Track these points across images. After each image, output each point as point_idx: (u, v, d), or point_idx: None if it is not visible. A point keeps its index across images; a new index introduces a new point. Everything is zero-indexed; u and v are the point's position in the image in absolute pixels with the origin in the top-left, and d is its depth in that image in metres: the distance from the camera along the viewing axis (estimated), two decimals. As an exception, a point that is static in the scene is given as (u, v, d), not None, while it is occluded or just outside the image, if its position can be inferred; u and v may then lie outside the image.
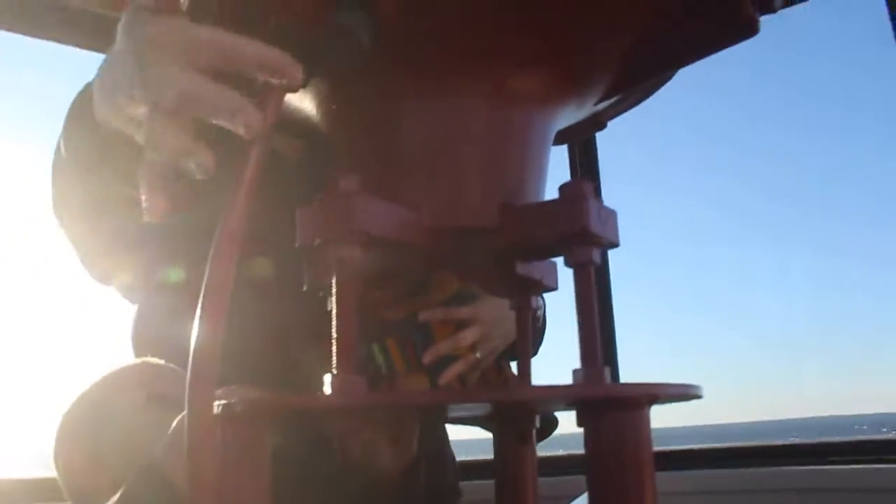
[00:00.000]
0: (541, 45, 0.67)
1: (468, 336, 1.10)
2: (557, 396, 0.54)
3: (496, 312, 1.05)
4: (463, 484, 1.40)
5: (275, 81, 0.58)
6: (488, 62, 0.67)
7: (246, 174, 0.58)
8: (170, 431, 0.76)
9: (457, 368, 1.09)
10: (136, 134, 0.61)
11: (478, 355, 1.05)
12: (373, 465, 0.88)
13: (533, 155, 0.70)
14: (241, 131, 0.57)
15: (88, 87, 0.83)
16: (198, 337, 0.57)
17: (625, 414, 0.54)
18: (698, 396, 0.63)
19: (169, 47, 0.56)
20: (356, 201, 0.57)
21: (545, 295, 1.08)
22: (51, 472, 1.15)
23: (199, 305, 0.57)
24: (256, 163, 0.59)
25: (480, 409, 0.69)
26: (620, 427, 0.55)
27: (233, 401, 0.58)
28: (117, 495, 0.78)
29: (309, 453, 1.10)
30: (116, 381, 0.98)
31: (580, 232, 0.62)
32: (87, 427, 0.98)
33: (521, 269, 0.75)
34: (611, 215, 0.65)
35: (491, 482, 0.82)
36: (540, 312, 1.36)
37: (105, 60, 0.65)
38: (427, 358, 1.09)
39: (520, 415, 0.79)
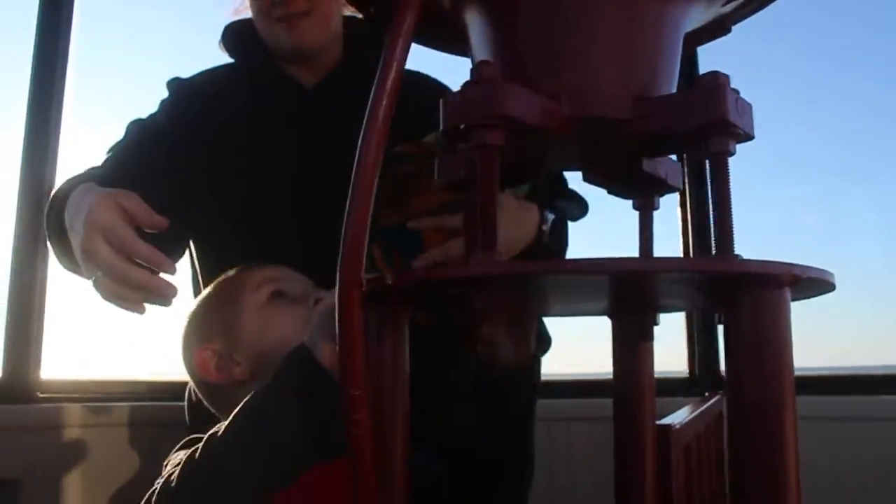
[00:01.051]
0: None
1: (460, 244, 1.06)
2: (700, 269, 0.55)
3: None
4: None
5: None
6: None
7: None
8: (314, 319, 0.81)
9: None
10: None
11: None
12: (495, 360, 0.92)
13: (665, 49, 0.70)
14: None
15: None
16: (348, 216, 0.60)
17: (766, 292, 0.56)
18: (833, 287, 0.64)
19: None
20: (501, 87, 0.59)
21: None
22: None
23: (351, 187, 0.60)
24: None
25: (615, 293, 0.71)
26: (760, 306, 0.56)
27: (382, 276, 0.62)
28: (270, 380, 0.83)
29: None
30: (240, 281, 1.04)
31: (719, 121, 0.62)
32: (216, 325, 1.04)
33: (648, 165, 0.76)
34: (747, 107, 0.65)
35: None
36: (545, 227, 1.28)
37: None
38: (417, 264, 1.07)
39: (644, 307, 0.81)
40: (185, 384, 1.40)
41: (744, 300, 0.56)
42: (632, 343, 0.86)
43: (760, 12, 0.90)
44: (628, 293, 0.76)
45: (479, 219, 0.61)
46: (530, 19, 0.67)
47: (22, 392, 1.83)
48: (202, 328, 1.09)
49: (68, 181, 1.18)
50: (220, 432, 0.84)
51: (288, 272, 1.07)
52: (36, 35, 2.01)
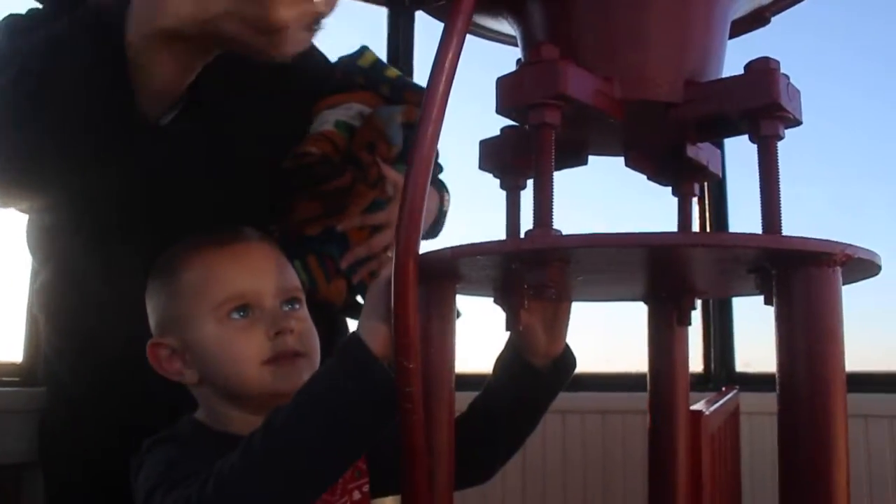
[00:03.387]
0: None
1: (382, 239, 1.13)
2: (760, 246, 0.56)
3: None
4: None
5: None
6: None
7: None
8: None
9: (369, 267, 1.14)
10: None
11: (390, 255, 1.03)
12: (528, 347, 0.93)
13: (715, 34, 0.72)
14: None
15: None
16: (405, 192, 0.61)
17: (819, 271, 0.57)
18: (879, 268, 0.65)
19: None
20: (560, 66, 0.61)
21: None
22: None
23: (409, 165, 0.61)
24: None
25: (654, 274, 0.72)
26: (815, 284, 0.57)
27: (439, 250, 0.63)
28: (324, 368, 0.81)
29: None
30: (206, 284, 0.92)
31: (770, 105, 0.63)
32: (174, 322, 0.95)
33: (691, 151, 0.77)
34: (797, 93, 0.66)
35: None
36: (448, 196, 1.34)
37: None
38: (344, 263, 1.13)
39: (682, 292, 0.83)
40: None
41: (797, 277, 0.57)
42: (667, 328, 0.87)
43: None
44: (670, 275, 0.78)
45: (535, 196, 0.62)
46: (586, 3, 0.68)
47: None
48: (162, 316, 0.98)
49: None
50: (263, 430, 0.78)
51: (265, 279, 0.96)
52: None
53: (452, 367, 0.73)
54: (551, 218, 0.61)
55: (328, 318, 1.13)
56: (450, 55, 0.62)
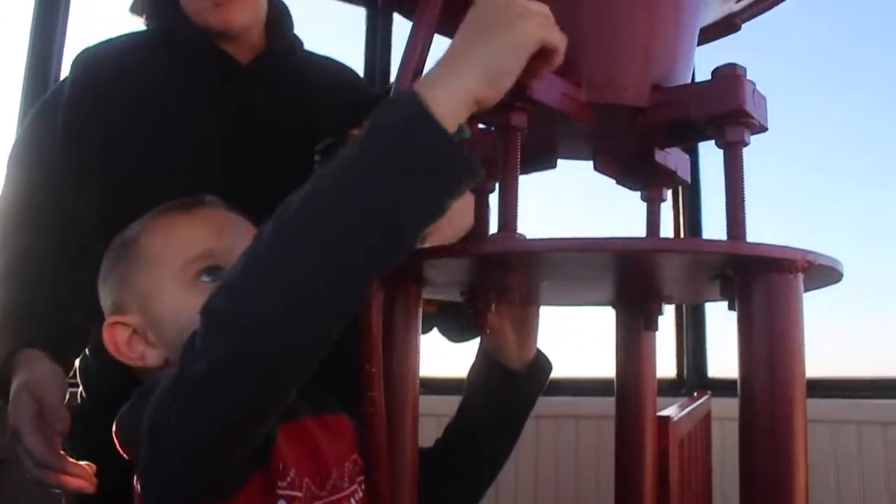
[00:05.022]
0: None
1: None
2: (722, 251, 0.56)
3: None
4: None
5: None
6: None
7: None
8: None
9: None
10: None
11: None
12: (500, 352, 0.92)
13: (683, 40, 0.72)
14: None
15: None
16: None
17: (781, 277, 0.57)
18: (841, 276, 0.65)
19: None
20: (528, 70, 0.60)
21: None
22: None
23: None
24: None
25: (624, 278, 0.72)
26: (776, 291, 0.57)
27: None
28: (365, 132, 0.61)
29: None
30: (169, 246, 0.79)
31: (735, 111, 0.64)
32: (132, 294, 0.82)
33: (659, 157, 0.77)
34: (762, 99, 0.67)
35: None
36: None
37: None
38: None
39: (649, 297, 0.83)
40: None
41: (759, 283, 0.58)
42: (635, 332, 0.87)
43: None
44: (637, 281, 0.78)
45: (500, 199, 0.62)
46: (553, 8, 0.68)
47: None
48: (119, 293, 0.85)
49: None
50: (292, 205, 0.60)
51: (235, 237, 0.84)
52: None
53: (416, 370, 0.73)
54: (516, 221, 0.60)
55: None
56: (416, 58, 0.62)
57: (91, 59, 1.25)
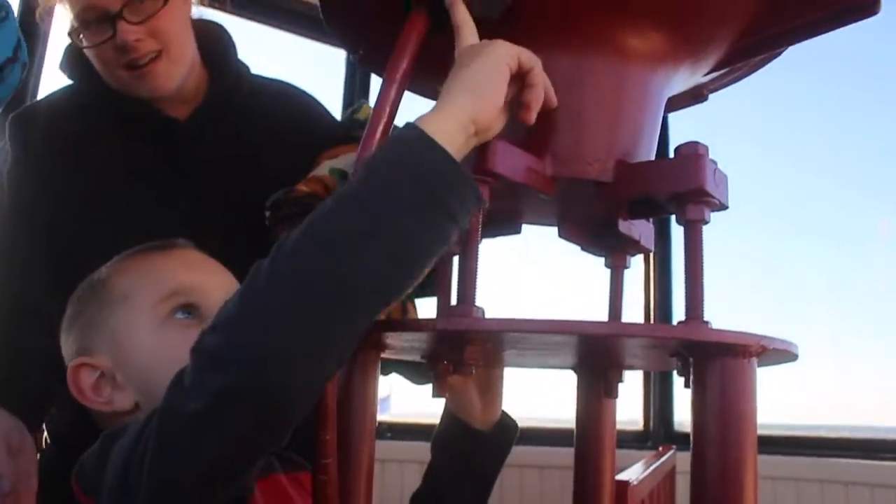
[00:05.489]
0: (663, 8, 0.69)
1: None
2: (676, 336, 0.57)
3: None
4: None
5: None
6: (611, 21, 0.69)
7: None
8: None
9: None
10: None
11: None
12: (465, 413, 0.91)
13: (648, 116, 0.73)
14: None
15: None
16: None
17: (735, 361, 0.57)
18: (796, 357, 0.66)
19: None
20: (492, 144, 0.61)
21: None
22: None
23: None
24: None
25: (584, 352, 0.73)
26: (729, 374, 0.58)
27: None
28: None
29: None
30: (140, 283, 0.80)
31: (696, 190, 0.64)
32: (102, 335, 0.79)
33: (623, 227, 0.78)
34: (723, 178, 0.68)
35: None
36: None
37: None
38: None
39: (610, 366, 0.83)
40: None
41: (713, 367, 0.58)
42: (595, 397, 0.87)
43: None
44: (597, 353, 0.78)
45: (459, 271, 0.62)
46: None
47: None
48: (85, 337, 0.83)
49: None
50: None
51: (210, 275, 0.84)
52: None
53: (373, 435, 0.72)
54: (474, 295, 0.60)
55: None
56: (385, 114, 0.62)
57: (24, 121, 1.20)
